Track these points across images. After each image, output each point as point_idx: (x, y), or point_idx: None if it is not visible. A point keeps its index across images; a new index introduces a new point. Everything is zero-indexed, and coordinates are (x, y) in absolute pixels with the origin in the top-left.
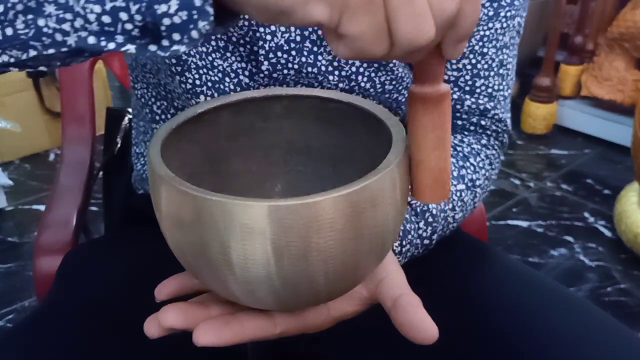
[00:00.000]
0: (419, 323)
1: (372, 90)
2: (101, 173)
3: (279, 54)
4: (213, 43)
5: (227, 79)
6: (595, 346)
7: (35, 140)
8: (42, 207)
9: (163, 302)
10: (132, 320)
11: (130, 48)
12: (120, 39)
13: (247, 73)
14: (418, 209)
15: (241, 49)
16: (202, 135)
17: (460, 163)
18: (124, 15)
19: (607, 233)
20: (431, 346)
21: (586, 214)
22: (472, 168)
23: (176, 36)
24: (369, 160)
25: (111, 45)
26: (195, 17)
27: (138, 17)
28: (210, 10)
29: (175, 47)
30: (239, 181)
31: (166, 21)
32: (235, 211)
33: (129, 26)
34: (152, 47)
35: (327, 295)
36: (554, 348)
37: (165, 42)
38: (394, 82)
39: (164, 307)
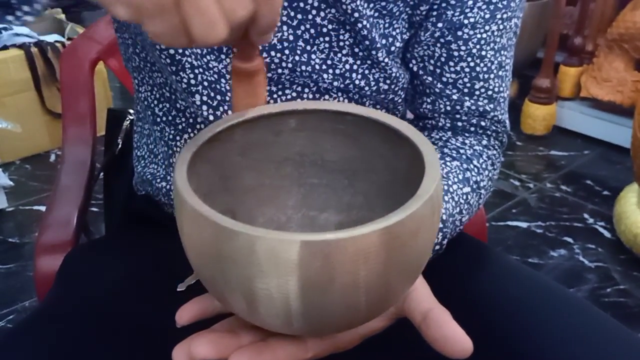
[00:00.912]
0: (453, 337)
1: (367, 88)
2: (102, 173)
3: (273, 53)
4: None
5: (222, 80)
6: (594, 347)
7: (35, 141)
8: (42, 208)
9: (162, 304)
10: (132, 320)
11: None
12: None
13: None
14: None
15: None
16: (217, 153)
17: (465, 165)
18: None
19: (607, 234)
20: (428, 346)
21: (586, 215)
22: (476, 170)
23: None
24: (388, 174)
25: None
26: None
27: None
28: None
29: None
30: (252, 195)
31: None
32: (278, 247)
33: None
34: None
35: (364, 320)
36: (554, 349)
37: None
38: (388, 82)
39: (195, 338)
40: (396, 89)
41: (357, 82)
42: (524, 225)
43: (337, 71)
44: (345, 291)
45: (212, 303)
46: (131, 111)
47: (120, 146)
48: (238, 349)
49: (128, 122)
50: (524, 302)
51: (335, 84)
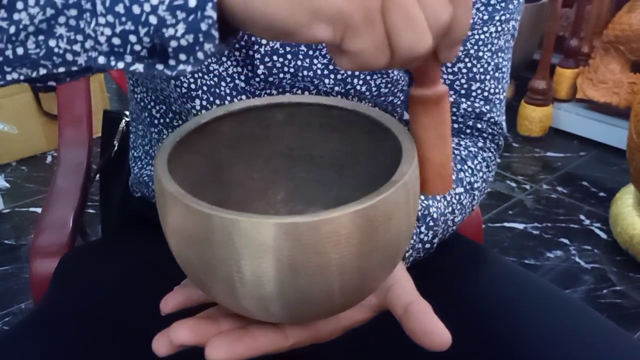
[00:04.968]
0: (432, 330)
1: (367, 93)
2: (98, 175)
3: (275, 57)
4: None
5: (222, 83)
6: (591, 348)
7: (32, 143)
8: (39, 210)
9: (158, 306)
10: (128, 323)
11: (139, 67)
12: (129, 58)
13: (243, 77)
14: (419, 214)
15: (237, 53)
16: (204, 145)
17: (458, 166)
18: (133, 38)
19: (603, 235)
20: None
21: (582, 216)
22: (470, 171)
23: (182, 57)
24: (373, 167)
25: (120, 65)
26: (201, 40)
27: (146, 39)
28: (216, 34)
29: (181, 67)
30: (241, 189)
31: (173, 43)
32: (251, 229)
33: (137, 47)
34: (160, 66)
35: (341, 308)
36: (550, 351)
37: (172, 62)
38: (389, 85)
39: (174, 324)
40: (395, 90)
41: (358, 87)
42: (520, 226)
43: (339, 76)
44: (318, 274)
45: (196, 291)
46: (127, 113)
47: (116, 148)
48: (217, 334)
49: (124, 124)
50: (520, 304)
51: (336, 88)
